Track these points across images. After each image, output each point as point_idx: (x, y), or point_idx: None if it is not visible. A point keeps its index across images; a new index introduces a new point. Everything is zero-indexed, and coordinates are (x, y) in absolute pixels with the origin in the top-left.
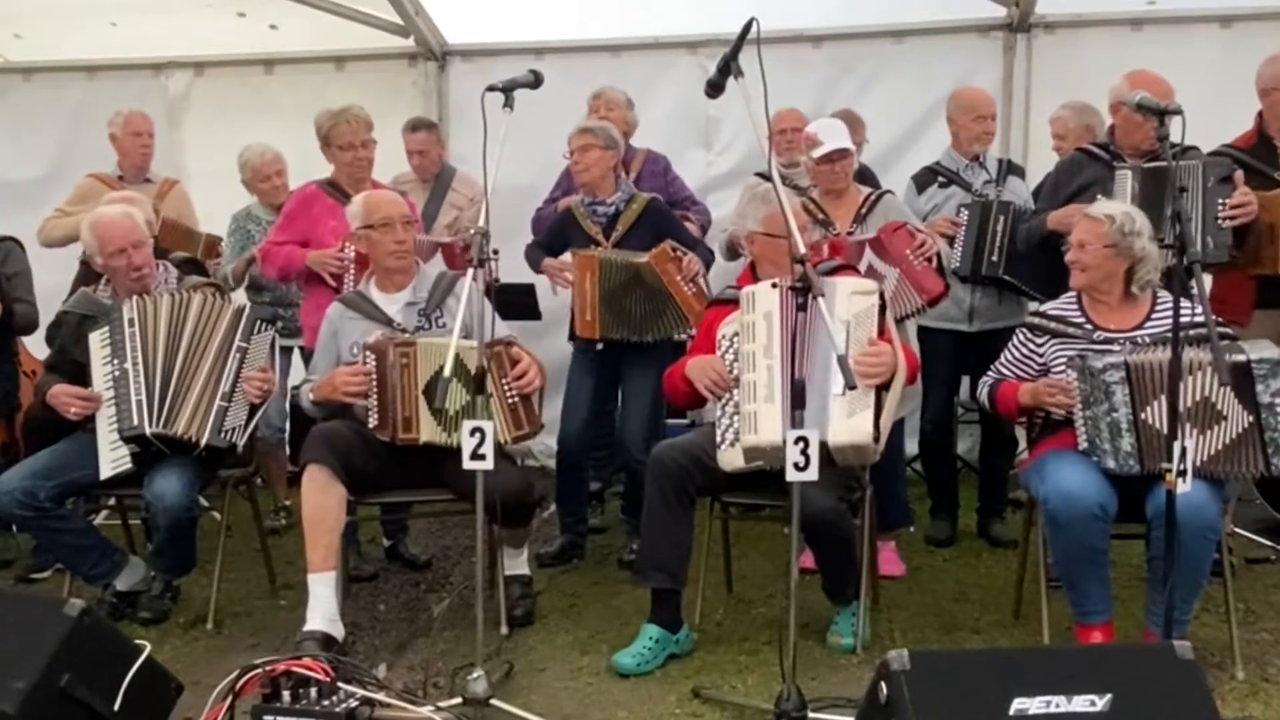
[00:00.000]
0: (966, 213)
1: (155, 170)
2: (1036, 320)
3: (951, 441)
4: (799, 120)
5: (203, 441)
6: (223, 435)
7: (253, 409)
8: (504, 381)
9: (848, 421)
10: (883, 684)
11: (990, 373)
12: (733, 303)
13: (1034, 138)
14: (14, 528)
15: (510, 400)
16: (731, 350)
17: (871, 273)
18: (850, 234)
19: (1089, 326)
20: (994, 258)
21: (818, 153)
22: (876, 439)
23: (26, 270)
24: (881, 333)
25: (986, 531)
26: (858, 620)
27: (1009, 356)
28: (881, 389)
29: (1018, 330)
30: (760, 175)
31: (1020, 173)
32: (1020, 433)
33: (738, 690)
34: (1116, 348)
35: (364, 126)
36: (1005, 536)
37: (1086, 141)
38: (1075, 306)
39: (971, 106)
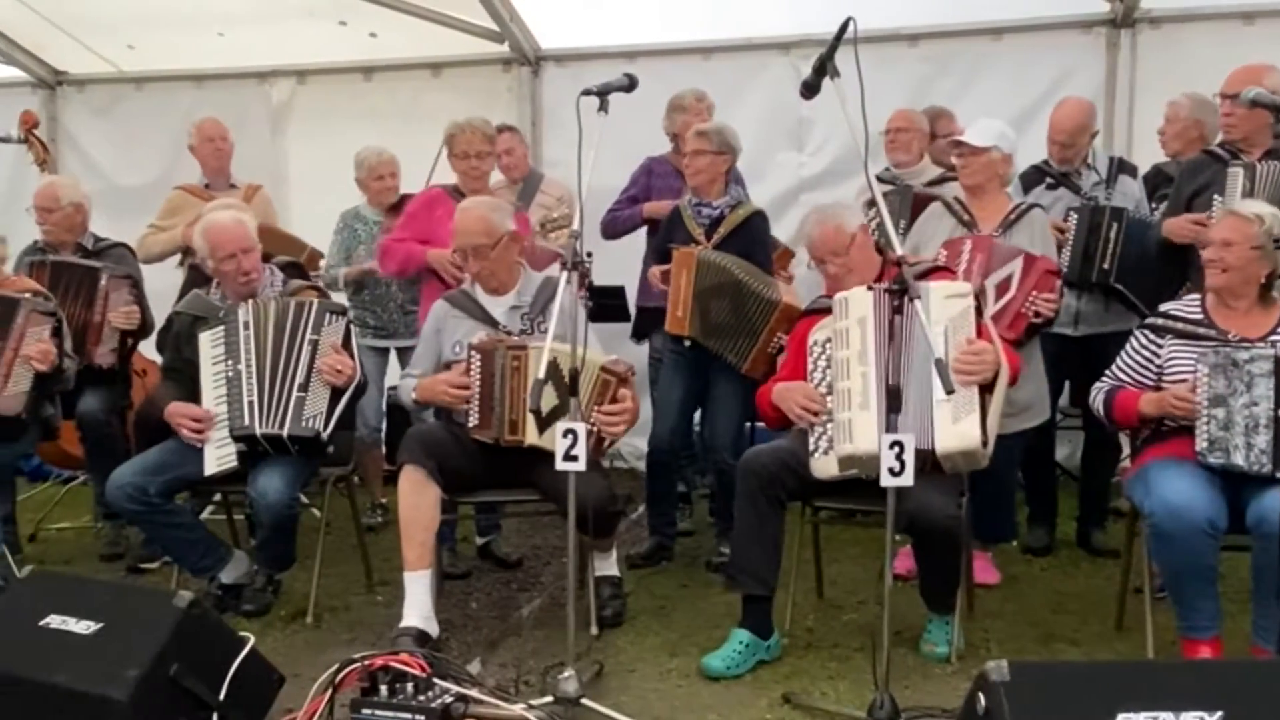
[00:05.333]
0: (1075, 216)
1: (254, 176)
2: (1160, 321)
3: (1051, 447)
4: (908, 120)
5: (285, 432)
6: (304, 424)
7: (335, 396)
8: (595, 409)
9: (954, 428)
10: (981, 695)
11: (1106, 377)
12: (823, 312)
13: (1138, 137)
14: (125, 521)
15: (590, 425)
16: (824, 357)
17: (1006, 283)
18: (994, 238)
19: (1219, 329)
20: (1105, 265)
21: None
22: (985, 443)
23: (139, 275)
24: (980, 333)
25: (1086, 540)
26: (952, 629)
27: (1127, 360)
28: (985, 391)
29: (1136, 332)
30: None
31: (1132, 171)
32: (1124, 439)
33: (829, 697)
34: (1250, 351)
35: (481, 138)
36: (1106, 546)
37: (1193, 134)
38: (1199, 309)
39: (1053, 125)
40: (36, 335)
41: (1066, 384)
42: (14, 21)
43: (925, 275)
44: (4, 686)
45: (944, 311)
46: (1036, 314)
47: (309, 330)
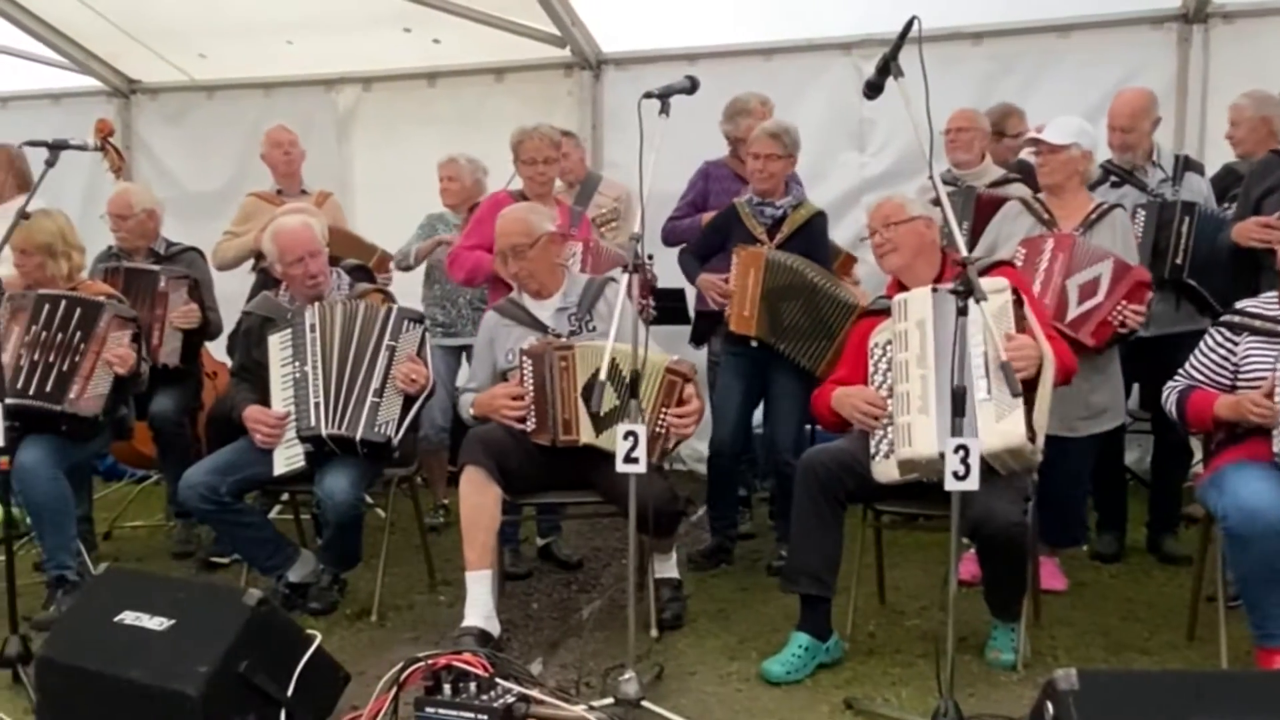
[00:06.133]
0: (1143, 213)
1: (321, 182)
2: (1236, 318)
3: (1120, 451)
4: (969, 120)
5: (357, 436)
6: (376, 430)
7: (407, 403)
8: (664, 410)
9: (997, 426)
10: (1049, 704)
11: (1179, 376)
12: (883, 313)
13: (1210, 136)
14: (196, 520)
15: (657, 428)
16: (884, 359)
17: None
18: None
19: None
20: (1177, 260)
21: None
22: (1032, 439)
23: (209, 279)
24: (1021, 329)
25: (1157, 547)
26: (1018, 636)
27: (1201, 360)
28: (1031, 387)
29: (1211, 330)
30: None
31: (1199, 169)
32: (1196, 443)
33: (891, 703)
34: None
35: (548, 145)
36: (1178, 552)
37: (1263, 132)
38: (1277, 305)
39: (1113, 112)
40: (118, 340)
41: (1135, 386)
42: (90, 32)
43: (982, 273)
44: (80, 681)
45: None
46: (1123, 324)
47: (386, 336)
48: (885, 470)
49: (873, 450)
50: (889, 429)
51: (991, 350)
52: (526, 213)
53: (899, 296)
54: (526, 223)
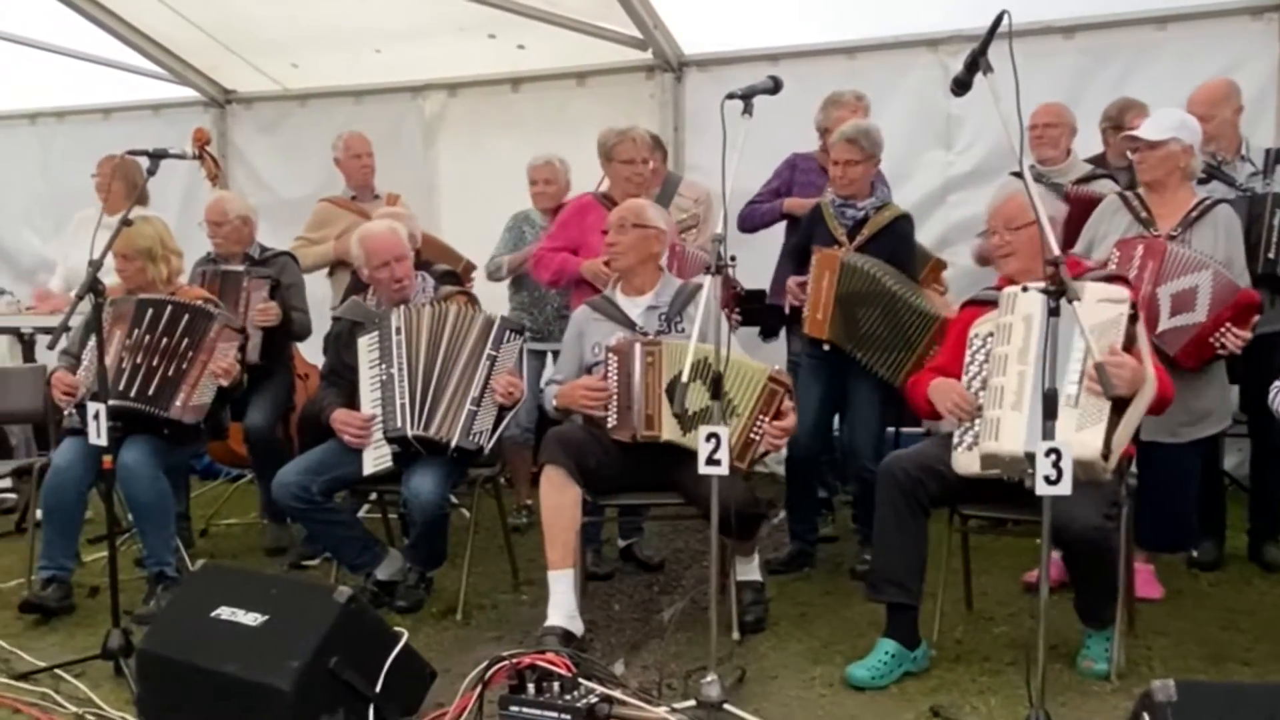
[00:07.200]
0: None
1: (407, 187)
2: None
3: (1218, 456)
4: (1056, 115)
5: (453, 442)
6: (471, 437)
7: (500, 413)
8: (760, 418)
9: (1076, 435)
10: (1145, 715)
11: None
12: (990, 304)
13: None
14: (289, 518)
15: (751, 435)
16: (983, 351)
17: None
18: (1173, 237)
19: None
20: (1270, 254)
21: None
22: (1106, 456)
23: (300, 282)
24: (1130, 346)
25: (1259, 555)
26: (1112, 645)
27: None
28: (1119, 407)
29: None
30: (1014, 174)
31: None
32: None
33: (980, 712)
34: None
35: (645, 146)
36: None
37: None
38: None
39: (1191, 100)
40: (225, 351)
41: (1234, 389)
42: (188, 45)
43: (1107, 280)
44: (178, 673)
45: (1093, 315)
46: (1222, 346)
47: (488, 345)
48: (966, 462)
49: (956, 440)
50: (976, 421)
51: (1092, 357)
52: (649, 205)
53: (1009, 290)
54: (644, 209)
